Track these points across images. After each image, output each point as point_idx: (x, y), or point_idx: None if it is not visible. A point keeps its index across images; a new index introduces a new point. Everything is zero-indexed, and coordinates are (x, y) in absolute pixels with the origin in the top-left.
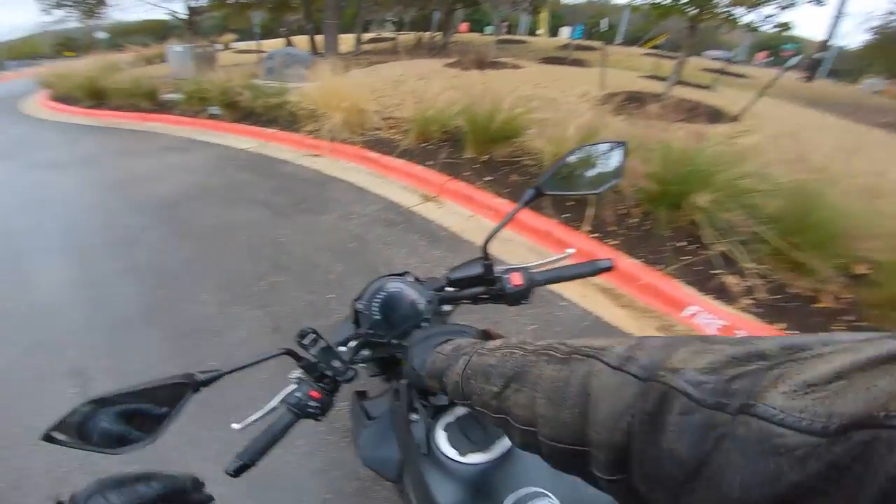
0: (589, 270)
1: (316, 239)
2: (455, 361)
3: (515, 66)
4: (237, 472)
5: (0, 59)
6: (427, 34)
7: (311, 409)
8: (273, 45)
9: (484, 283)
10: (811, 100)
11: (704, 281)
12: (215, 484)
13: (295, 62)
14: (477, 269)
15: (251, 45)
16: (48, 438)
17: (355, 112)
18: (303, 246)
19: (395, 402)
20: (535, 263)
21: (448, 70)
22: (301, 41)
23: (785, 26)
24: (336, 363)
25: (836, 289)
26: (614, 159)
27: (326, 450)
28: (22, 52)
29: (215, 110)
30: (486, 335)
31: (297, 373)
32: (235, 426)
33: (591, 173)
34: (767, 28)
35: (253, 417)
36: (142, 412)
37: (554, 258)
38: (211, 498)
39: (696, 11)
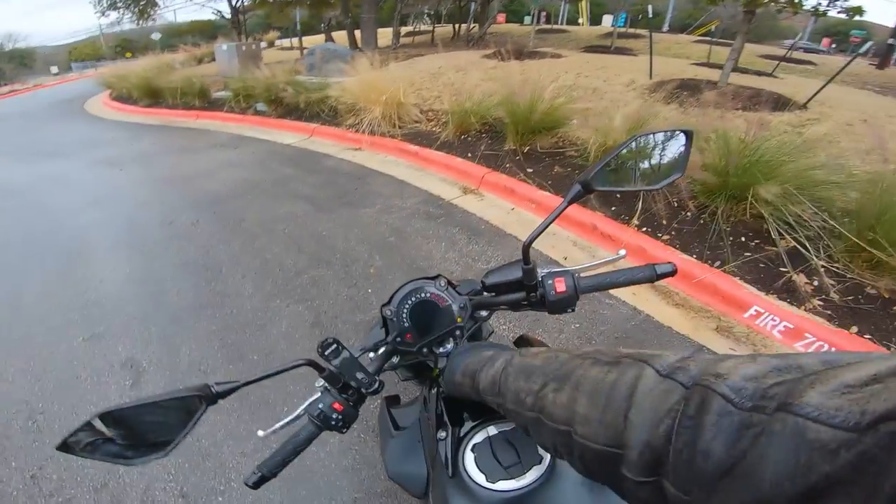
0: (645, 276)
1: (356, 232)
2: (494, 361)
3: (556, 56)
4: (256, 485)
5: (66, 61)
6: (464, 26)
7: (333, 422)
8: (314, 41)
9: (524, 289)
10: (883, 87)
11: (769, 280)
12: (263, 484)
13: (334, 57)
14: (516, 274)
15: (294, 41)
16: (64, 447)
17: (394, 105)
18: (344, 240)
19: (424, 413)
20: (581, 266)
21: (486, 61)
22: (340, 37)
23: (857, 10)
24: (360, 375)
25: None
26: (675, 150)
27: (359, 448)
28: (84, 53)
29: (261, 107)
30: (526, 341)
31: (323, 382)
32: (260, 433)
33: (647, 167)
34: (835, 13)
35: (277, 425)
36: (157, 423)
37: (603, 260)
38: None
39: None
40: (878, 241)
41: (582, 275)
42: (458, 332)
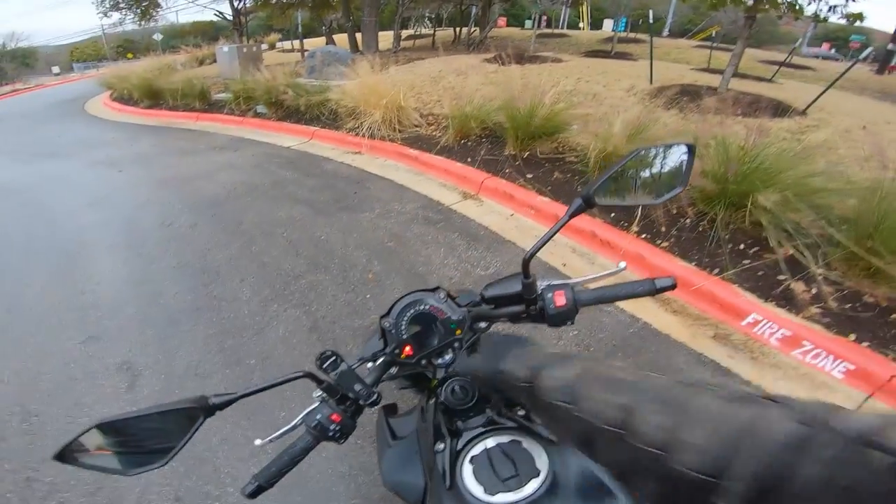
0: (645, 290)
1: (355, 237)
2: (566, 363)
3: (556, 61)
4: (253, 494)
5: (67, 61)
6: (465, 30)
7: (331, 433)
8: (315, 43)
9: (523, 302)
10: (882, 93)
11: (767, 287)
12: (242, 483)
13: (335, 60)
14: (516, 287)
15: (295, 44)
16: (60, 457)
17: (394, 109)
18: (342, 244)
19: (422, 423)
20: (581, 279)
21: (487, 65)
22: (342, 39)
23: (857, 17)
24: (358, 386)
25: None
26: (677, 164)
27: (356, 454)
28: (86, 54)
29: (261, 109)
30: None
31: (321, 392)
32: (257, 442)
33: (649, 180)
34: (836, 19)
35: (275, 434)
36: (154, 435)
37: (603, 273)
38: None
39: (752, 1)
40: (877, 250)
41: (582, 287)
42: (456, 345)
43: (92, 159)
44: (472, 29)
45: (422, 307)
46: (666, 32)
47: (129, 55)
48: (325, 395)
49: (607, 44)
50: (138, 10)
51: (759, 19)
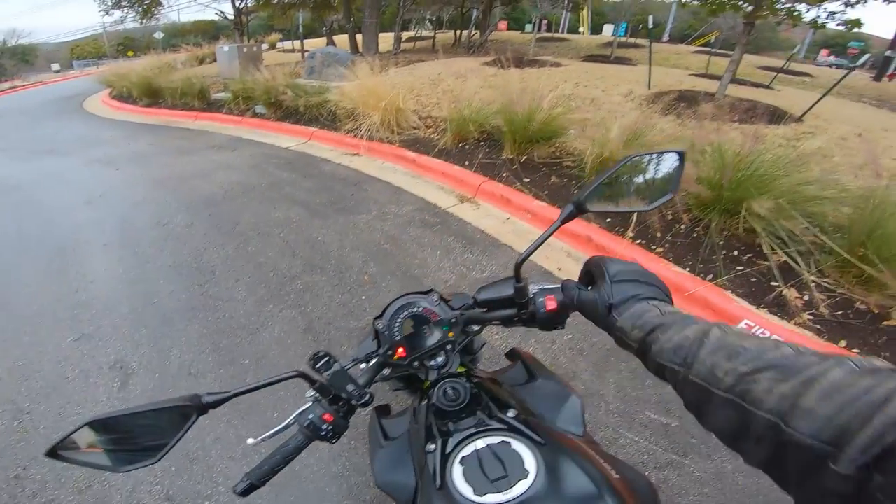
0: None
1: (351, 239)
2: (684, 326)
3: (555, 65)
4: (244, 493)
5: (67, 58)
6: (465, 33)
7: (323, 433)
8: (316, 44)
9: (515, 306)
10: (880, 100)
11: (760, 294)
12: (235, 482)
13: (335, 61)
14: (508, 291)
15: (296, 44)
16: (52, 454)
17: (393, 111)
18: (338, 246)
19: (414, 424)
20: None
21: (486, 69)
22: (342, 40)
23: (855, 23)
24: (350, 387)
25: None
26: (668, 170)
27: (349, 455)
28: (87, 51)
29: (260, 109)
30: (516, 354)
31: (313, 392)
32: (250, 441)
33: (640, 186)
34: (834, 25)
35: (267, 434)
36: (146, 432)
37: None
38: None
39: (751, 7)
40: (869, 257)
41: None
42: (449, 347)
43: (89, 157)
44: (473, 32)
45: (415, 309)
46: (666, 38)
47: (130, 53)
48: (317, 395)
49: (607, 48)
50: (140, 9)
51: (758, 26)
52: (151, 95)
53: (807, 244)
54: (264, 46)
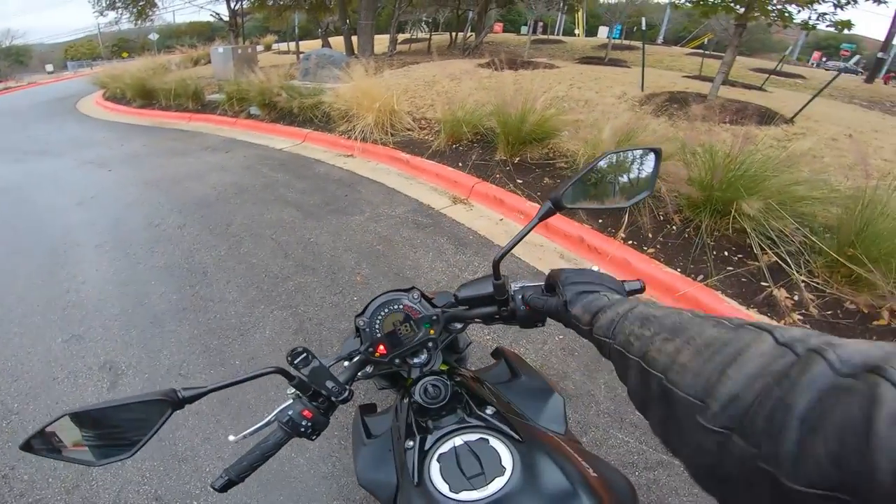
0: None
1: (344, 240)
2: (618, 306)
3: (550, 66)
4: (223, 488)
5: (61, 59)
6: (461, 34)
7: (302, 429)
8: (311, 46)
9: (496, 303)
10: (871, 101)
11: (750, 294)
12: (230, 488)
13: (330, 63)
14: (488, 289)
15: (291, 46)
16: (27, 447)
17: (387, 113)
18: (331, 247)
19: (395, 422)
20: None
21: (480, 70)
22: (338, 42)
23: (845, 24)
24: (330, 384)
25: None
26: (645, 167)
27: (339, 455)
28: (81, 52)
29: (254, 110)
30: (501, 354)
31: (294, 389)
32: (231, 438)
33: (618, 184)
34: (825, 27)
35: (248, 430)
36: (122, 426)
37: None
38: None
39: (743, 9)
40: (858, 257)
41: None
42: (430, 344)
43: (82, 158)
44: (469, 34)
45: (396, 307)
46: (660, 40)
47: (124, 54)
48: (297, 391)
49: (602, 50)
50: (135, 10)
51: (750, 28)
52: (145, 97)
53: (796, 244)
54: (260, 48)
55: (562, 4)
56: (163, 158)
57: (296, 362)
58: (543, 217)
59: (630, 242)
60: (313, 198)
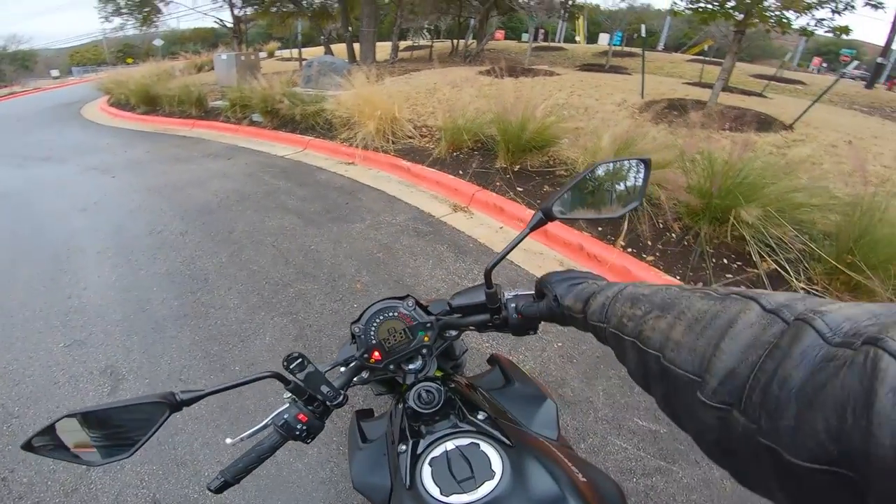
0: None
1: (345, 247)
2: (608, 289)
3: (550, 74)
4: (218, 490)
5: (67, 65)
6: (462, 42)
7: (297, 432)
8: (314, 53)
9: (488, 311)
10: (871, 107)
11: None
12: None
13: (331, 70)
14: (481, 297)
15: (294, 52)
16: (28, 447)
17: (388, 120)
18: (331, 254)
19: (390, 427)
20: None
21: (481, 78)
22: (340, 49)
23: (843, 30)
24: (325, 388)
25: None
26: (635, 177)
27: (337, 460)
28: (86, 58)
29: (257, 117)
30: (496, 360)
31: (290, 393)
32: (228, 441)
33: (608, 195)
34: (823, 32)
35: (245, 434)
36: (121, 427)
37: None
38: None
39: (741, 15)
40: (857, 264)
41: None
42: (425, 351)
43: (85, 164)
44: (470, 41)
45: (391, 314)
46: (661, 47)
47: (129, 60)
48: (293, 395)
49: (602, 57)
50: (139, 16)
51: (750, 34)
52: (149, 103)
53: (795, 252)
54: (263, 55)
55: (563, 12)
56: (166, 165)
57: (291, 367)
58: (534, 227)
59: (629, 250)
60: (314, 205)
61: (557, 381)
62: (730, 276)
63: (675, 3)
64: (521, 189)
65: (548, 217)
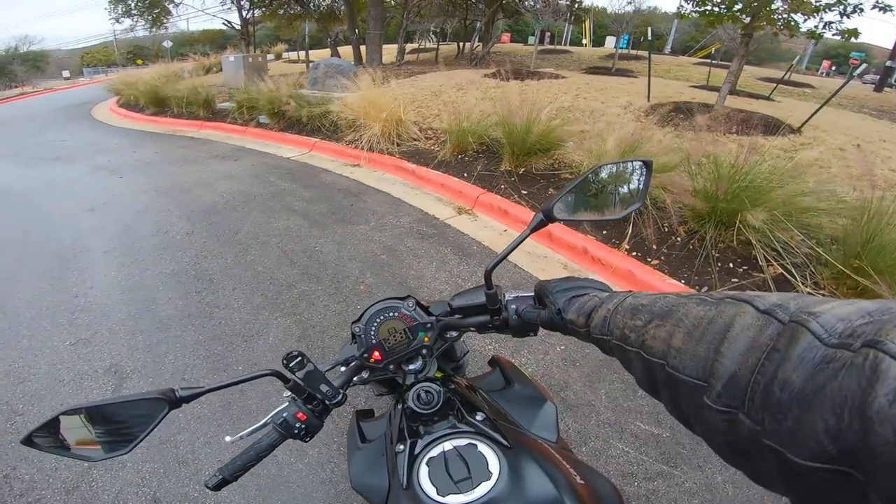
0: None
1: (349, 249)
2: (609, 301)
3: (556, 77)
4: (216, 487)
5: (78, 65)
6: (468, 45)
7: (296, 431)
8: (321, 55)
9: (489, 313)
10: (880, 110)
11: None
12: (224, 487)
13: (338, 72)
14: (481, 298)
15: (301, 54)
16: (28, 442)
17: (394, 122)
18: (336, 255)
19: (389, 427)
20: None
21: (487, 81)
22: (347, 51)
23: (852, 33)
24: (324, 387)
25: None
26: (636, 179)
27: (337, 461)
28: (97, 59)
29: (264, 119)
30: (497, 362)
31: (289, 392)
32: (227, 439)
33: (609, 196)
34: (831, 36)
35: (245, 432)
36: (121, 423)
37: None
38: None
39: (749, 18)
40: (864, 269)
41: None
42: (425, 351)
43: (94, 164)
44: (476, 44)
45: (391, 314)
46: (668, 49)
47: (139, 61)
48: (292, 394)
49: (609, 60)
50: (149, 17)
51: (758, 37)
52: (158, 104)
53: (802, 256)
54: (270, 56)
55: (569, 15)
56: (174, 166)
57: (291, 365)
58: (535, 229)
59: (634, 254)
60: (319, 207)
61: (560, 384)
62: (735, 280)
63: (682, 6)
64: (525, 192)
65: (549, 218)
